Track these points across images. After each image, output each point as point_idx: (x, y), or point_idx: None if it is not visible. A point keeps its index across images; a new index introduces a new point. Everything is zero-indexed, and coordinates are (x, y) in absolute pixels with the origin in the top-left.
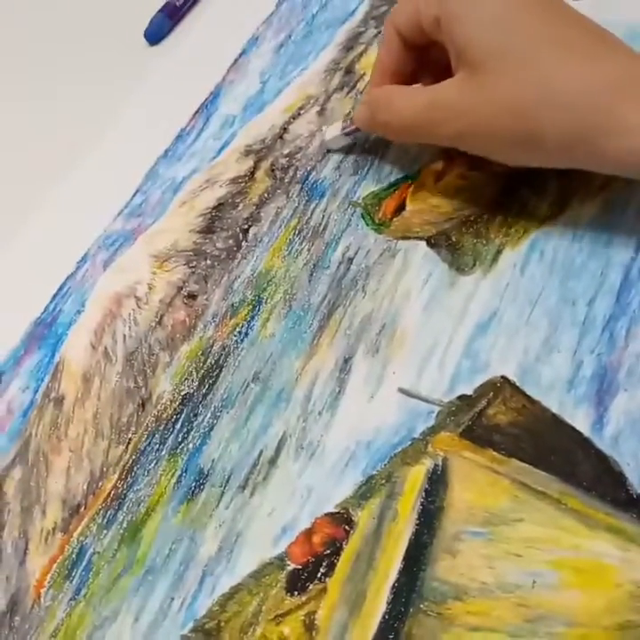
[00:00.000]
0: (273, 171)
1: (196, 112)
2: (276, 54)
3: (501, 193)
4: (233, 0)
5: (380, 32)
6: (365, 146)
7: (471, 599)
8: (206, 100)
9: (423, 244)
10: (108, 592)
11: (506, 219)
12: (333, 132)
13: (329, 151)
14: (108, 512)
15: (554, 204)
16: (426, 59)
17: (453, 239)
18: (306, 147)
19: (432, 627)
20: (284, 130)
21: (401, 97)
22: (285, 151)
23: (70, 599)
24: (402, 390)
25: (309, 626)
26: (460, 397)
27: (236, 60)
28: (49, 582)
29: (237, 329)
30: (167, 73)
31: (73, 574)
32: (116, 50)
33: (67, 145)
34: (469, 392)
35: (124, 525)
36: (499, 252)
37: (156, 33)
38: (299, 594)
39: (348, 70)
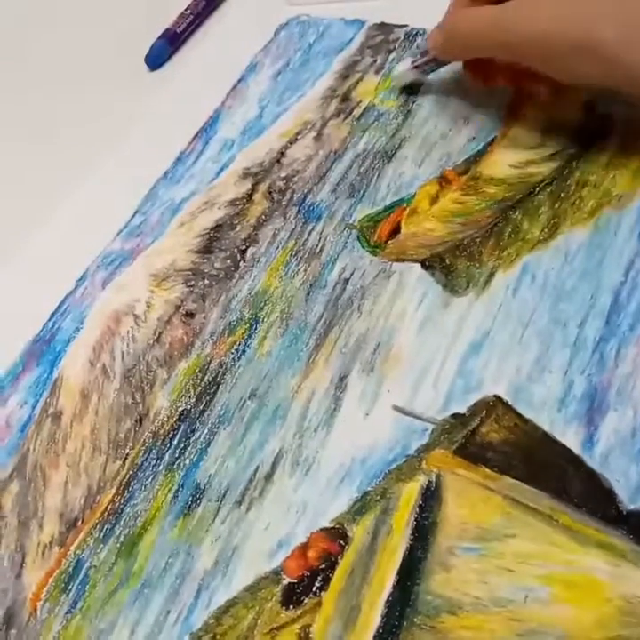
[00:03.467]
0: (270, 193)
1: (196, 136)
2: (273, 81)
3: (495, 217)
4: (233, 27)
5: (375, 61)
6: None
7: (464, 613)
8: (205, 124)
9: (417, 266)
10: (104, 605)
11: (499, 242)
12: (402, 67)
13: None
14: (105, 526)
15: (546, 228)
16: None
17: (447, 262)
18: (303, 170)
19: (424, 639)
20: (282, 154)
21: (474, 10)
22: (283, 174)
23: (66, 612)
24: (396, 408)
25: (304, 639)
26: (454, 415)
27: (234, 86)
28: (45, 595)
29: (234, 347)
30: (167, 97)
31: (69, 588)
32: (118, 74)
33: (68, 166)
34: (463, 410)
35: (121, 539)
36: (491, 274)
37: (157, 58)
38: (294, 607)
39: (345, 97)
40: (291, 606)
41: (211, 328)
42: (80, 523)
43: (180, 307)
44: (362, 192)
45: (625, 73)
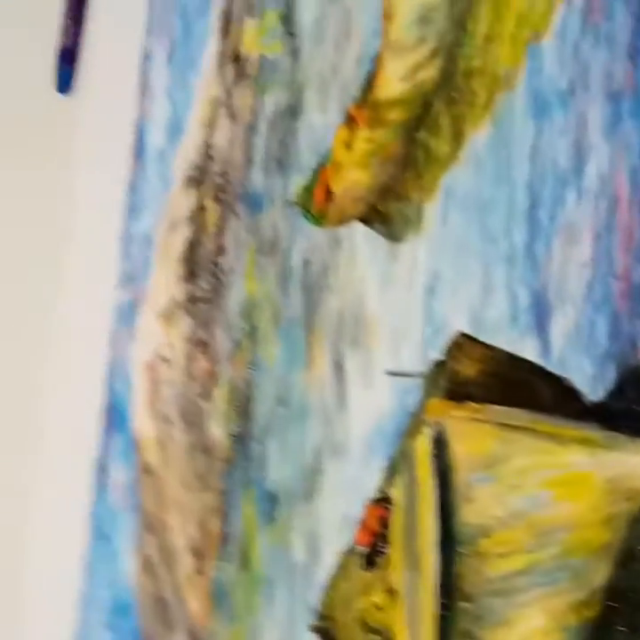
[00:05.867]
0: (216, 195)
1: (134, 156)
2: (169, 65)
3: (404, 145)
4: (113, 19)
5: (245, 2)
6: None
7: (493, 533)
8: (135, 140)
9: (360, 224)
10: (249, 608)
11: (417, 171)
12: None
13: None
14: (224, 548)
15: (451, 138)
16: None
17: (381, 210)
18: (231, 158)
19: (474, 564)
20: (208, 146)
21: None
22: (217, 169)
23: (228, 622)
24: (388, 372)
25: (390, 591)
26: (434, 363)
27: (141, 86)
28: (207, 614)
29: (248, 361)
30: (86, 120)
31: (221, 603)
32: (31, 107)
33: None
34: (439, 355)
35: (238, 555)
36: (420, 209)
37: (65, 84)
38: (373, 568)
39: (236, 57)
40: (371, 568)
41: (223, 350)
42: (205, 552)
43: (193, 339)
44: (288, 163)
45: None
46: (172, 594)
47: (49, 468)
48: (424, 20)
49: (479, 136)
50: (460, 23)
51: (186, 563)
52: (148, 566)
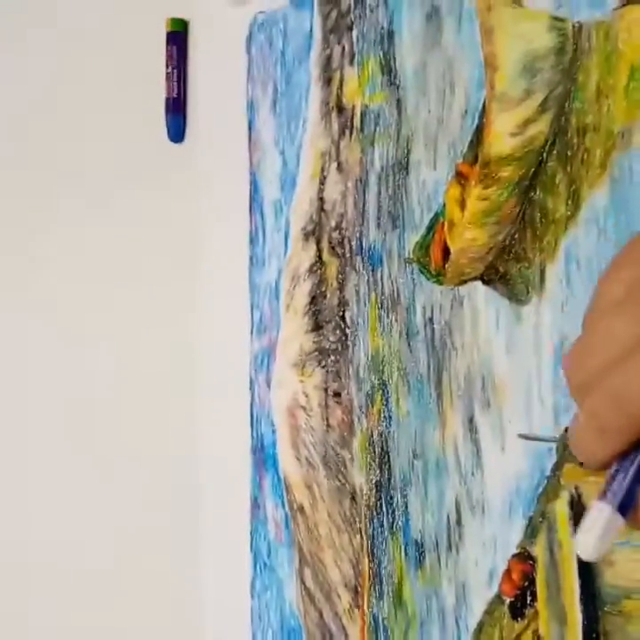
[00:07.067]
0: (333, 249)
1: (250, 208)
2: (274, 115)
3: (520, 204)
4: (211, 59)
5: (343, 48)
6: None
7: (635, 595)
8: (250, 192)
9: (479, 284)
10: None
11: (535, 232)
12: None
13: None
14: (376, 587)
15: (569, 200)
16: None
17: (501, 270)
18: (345, 212)
19: (618, 622)
20: (321, 200)
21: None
22: (333, 224)
23: None
24: (521, 436)
25: None
26: (567, 429)
27: (249, 136)
28: None
29: (381, 415)
30: (201, 168)
31: (379, 636)
32: (147, 159)
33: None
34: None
35: (390, 594)
36: (542, 270)
37: (177, 133)
38: (521, 619)
39: (339, 108)
40: (518, 619)
41: (356, 402)
42: (360, 588)
43: (326, 389)
44: (401, 218)
45: None
46: (333, 623)
47: (213, 503)
48: (530, 70)
49: (597, 198)
50: (569, 75)
51: (343, 597)
52: (309, 596)
